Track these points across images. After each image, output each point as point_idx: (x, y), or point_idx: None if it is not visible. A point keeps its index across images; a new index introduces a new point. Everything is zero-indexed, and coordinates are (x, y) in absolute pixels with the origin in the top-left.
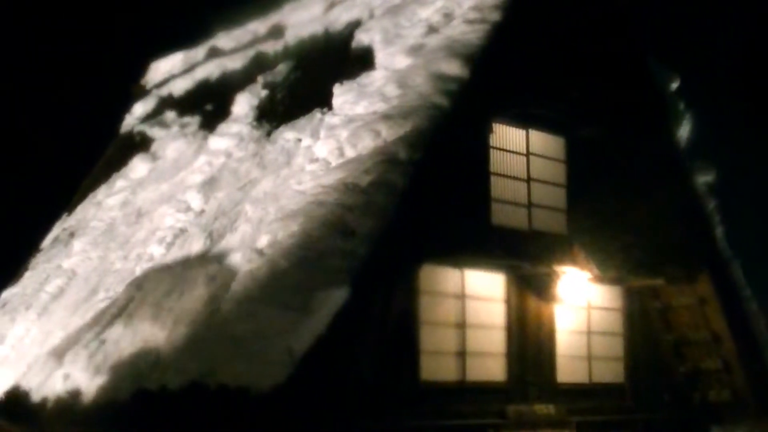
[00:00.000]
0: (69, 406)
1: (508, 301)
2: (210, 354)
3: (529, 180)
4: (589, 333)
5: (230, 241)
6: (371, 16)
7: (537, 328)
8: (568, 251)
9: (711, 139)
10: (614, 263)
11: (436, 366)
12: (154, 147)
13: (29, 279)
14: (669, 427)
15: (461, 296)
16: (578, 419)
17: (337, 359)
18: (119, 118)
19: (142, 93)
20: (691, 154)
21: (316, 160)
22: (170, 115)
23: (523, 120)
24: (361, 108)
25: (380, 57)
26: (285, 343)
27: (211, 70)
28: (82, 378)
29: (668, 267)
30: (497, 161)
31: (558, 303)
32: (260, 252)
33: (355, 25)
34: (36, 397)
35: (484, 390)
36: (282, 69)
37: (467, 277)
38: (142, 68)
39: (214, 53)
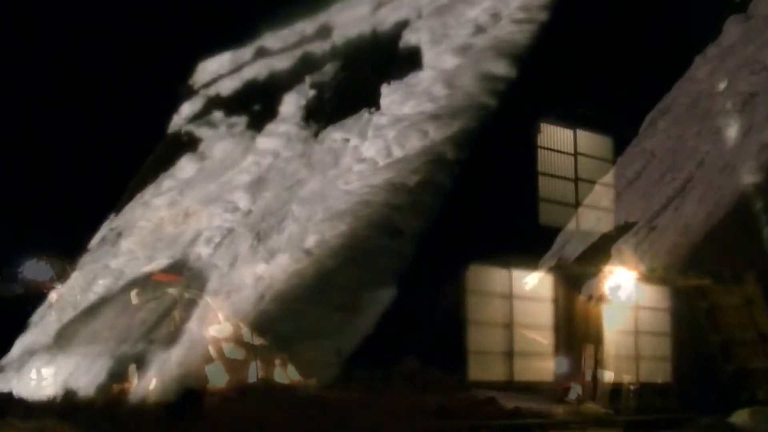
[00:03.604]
0: (117, 404)
1: (556, 301)
2: (257, 354)
3: (576, 180)
4: (637, 333)
5: (277, 240)
6: (419, 16)
7: (585, 328)
8: (616, 251)
9: (759, 140)
10: (662, 263)
11: (484, 366)
12: (201, 147)
13: (77, 279)
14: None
15: (509, 296)
16: (625, 419)
17: (385, 359)
18: (167, 118)
19: (189, 93)
20: (738, 154)
21: (364, 160)
22: (218, 115)
23: (571, 120)
24: (408, 108)
25: (428, 57)
26: (332, 343)
27: (258, 70)
28: (129, 377)
29: (715, 267)
30: (545, 161)
31: (606, 303)
32: (307, 252)
33: (402, 25)
34: (84, 395)
35: (532, 389)
36: (329, 69)
37: (515, 277)
38: (189, 68)
39: (262, 53)
